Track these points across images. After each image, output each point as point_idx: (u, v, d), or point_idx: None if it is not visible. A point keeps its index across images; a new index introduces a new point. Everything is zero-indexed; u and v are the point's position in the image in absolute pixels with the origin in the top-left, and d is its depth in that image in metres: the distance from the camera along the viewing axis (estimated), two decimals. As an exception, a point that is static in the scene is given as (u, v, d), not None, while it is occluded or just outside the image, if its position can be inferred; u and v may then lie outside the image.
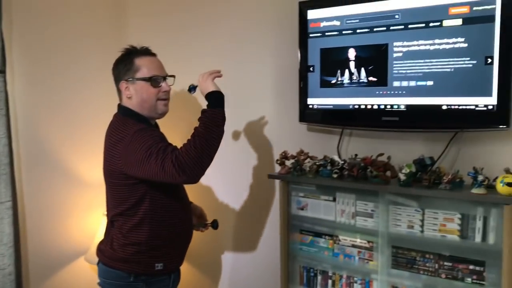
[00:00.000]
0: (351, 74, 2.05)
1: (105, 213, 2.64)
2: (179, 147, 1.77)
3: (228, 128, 2.56)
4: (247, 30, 2.48)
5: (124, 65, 1.93)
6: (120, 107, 1.98)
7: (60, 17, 2.65)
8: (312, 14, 2.14)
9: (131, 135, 1.80)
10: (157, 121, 2.05)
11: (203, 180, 2.25)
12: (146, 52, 1.96)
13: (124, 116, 1.92)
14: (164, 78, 1.95)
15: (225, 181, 2.64)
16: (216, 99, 1.88)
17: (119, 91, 1.98)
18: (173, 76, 2.01)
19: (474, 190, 1.75)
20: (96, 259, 2.49)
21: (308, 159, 2.15)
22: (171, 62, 2.11)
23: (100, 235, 2.62)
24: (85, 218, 2.77)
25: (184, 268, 2.16)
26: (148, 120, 1.94)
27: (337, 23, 2.08)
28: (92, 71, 2.78)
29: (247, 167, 2.55)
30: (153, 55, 1.99)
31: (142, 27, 2.86)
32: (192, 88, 2.02)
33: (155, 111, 1.94)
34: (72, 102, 2.70)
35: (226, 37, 2.55)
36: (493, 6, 1.74)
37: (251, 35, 2.47)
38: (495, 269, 1.73)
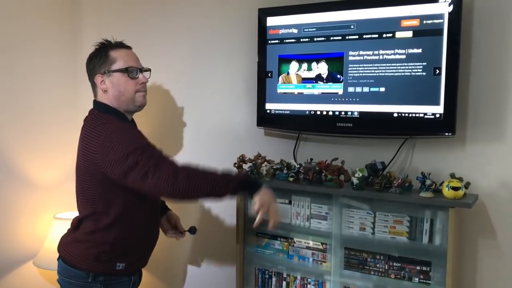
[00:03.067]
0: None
1: (57, 215, 2.60)
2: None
3: (187, 131, 2.58)
4: (207, 34, 2.49)
5: (99, 58, 1.87)
6: (96, 102, 1.91)
7: (10, 12, 2.55)
8: (271, 21, 2.19)
9: (111, 131, 1.74)
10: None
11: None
12: (121, 45, 1.92)
13: (101, 112, 1.86)
14: (141, 70, 1.92)
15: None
16: (253, 186, 1.74)
17: (94, 86, 1.91)
18: (148, 69, 1.97)
19: (422, 194, 1.84)
20: (47, 262, 2.46)
21: (265, 163, 2.18)
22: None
23: (50, 238, 2.56)
24: (35, 220, 2.68)
25: (139, 271, 2.14)
26: (125, 115, 1.90)
27: (295, 30, 2.14)
28: (43, 69, 2.70)
29: (203, 170, 2.56)
30: (129, 47, 1.95)
31: (97, 26, 2.81)
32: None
33: (133, 103, 1.89)
34: (21, 101, 2.61)
35: (187, 41, 2.56)
36: (441, 21, 1.85)
37: (211, 39, 2.48)
38: (441, 269, 1.82)
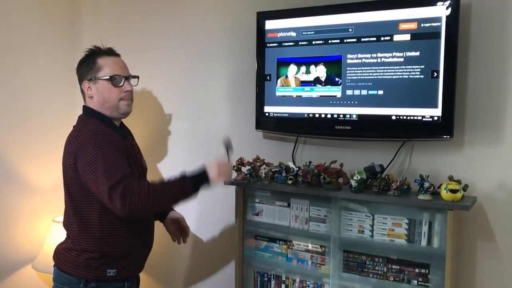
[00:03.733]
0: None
1: (55, 219, 2.60)
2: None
3: (186, 134, 2.59)
4: (206, 37, 2.50)
5: (87, 64, 1.91)
6: (84, 107, 1.95)
7: (9, 18, 2.56)
8: (269, 24, 2.19)
9: (89, 135, 1.78)
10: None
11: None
12: (109, 52, 1.95)
13: (87, 116, 1.90)
14: (127, 78, 1.94)
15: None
16: (203, 181, 1.80)
17: (82, 91, 1.95)
18: (137, 76, 1.99)
19: (421, 197, 1.84)
20: (46, 266, 2.46)
21: (264, 166, 2.19)
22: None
23: (49, 241, 2.56)
24: (33, 224, 2.68)
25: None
26: (111, 120, 1.92)
27: (293, 34, 2.14)
28: (42, 74, 2.71)
29: (202, 173, 2.56)
30: (117, 55, 1.97)
31: (96, 31, 2.82)
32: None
33: (117, 111, 1.92)
34: (20, 105, 2.61)
35: (186, 44, 2.56)
36: (438, 24, 1.85)
37: (210, 43, 2.49)
38: (439, 271, 1.82)
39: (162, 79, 2.60)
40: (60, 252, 1.93)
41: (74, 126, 1.92)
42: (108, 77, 1.89)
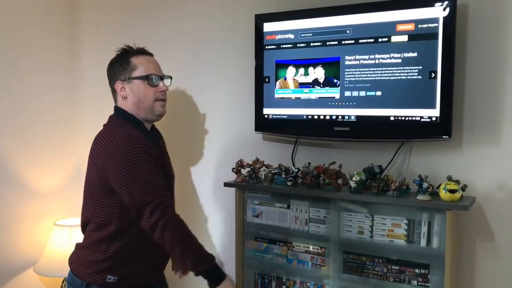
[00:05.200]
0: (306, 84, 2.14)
1: (57, 222, 2.61)
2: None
3: (186, 136, 2.59)
4: (205, 40, 2.51)
5: (120, 64, 1.86)
6: (116, 108, 1.90)
7: (8, 20, 2.58)
8: (268, 27, 2.20)
9: (122, 139, 1.71)
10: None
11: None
12: (142, 51, 1.91)
13: (119, 117, 1.84)
14: (162, 77, 1.91)
15: (181, 189, 2.65)
16: (215, 274, 1.81)
17: (114, 92, 1.90)
18: (170, 77, 1.96)
19: (419, 197, 1.85)
20: (48, 269, 2.48)
21: (263, 168, 2.19)
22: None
23: (51, 245, 2.57)
24: (35, 228, 2.69)
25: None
26: (143, 123, 1.87)
27: (291, 36, 2.15)
28: (43, 77, 2.73)
29: (203, 175, 2.57)
30: (150, 54, 1.94)
31: (95, 35, 2.83)
32: None
33: (152, 112, 1.87)
34: (22, 110, 2.63)
35: (185, 47, 2.57)
36: (436, 24, 1.86)
37: (209, 46, 2.50)
38: (439, 271, 1.83)
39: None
40: (74, 252, 1.90)
41: (105, 126, 1.85)
42: (144, 76, 1.85)
